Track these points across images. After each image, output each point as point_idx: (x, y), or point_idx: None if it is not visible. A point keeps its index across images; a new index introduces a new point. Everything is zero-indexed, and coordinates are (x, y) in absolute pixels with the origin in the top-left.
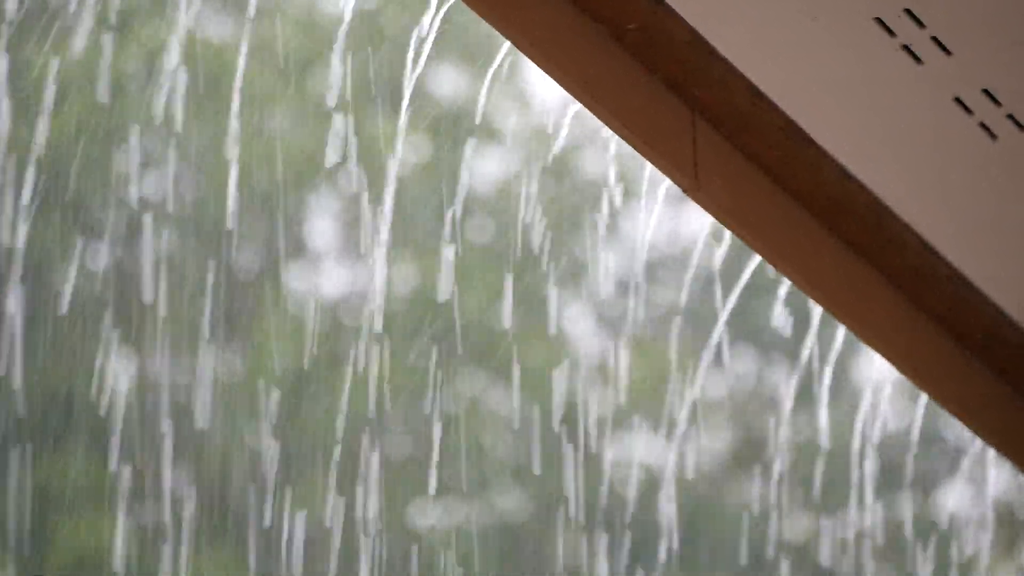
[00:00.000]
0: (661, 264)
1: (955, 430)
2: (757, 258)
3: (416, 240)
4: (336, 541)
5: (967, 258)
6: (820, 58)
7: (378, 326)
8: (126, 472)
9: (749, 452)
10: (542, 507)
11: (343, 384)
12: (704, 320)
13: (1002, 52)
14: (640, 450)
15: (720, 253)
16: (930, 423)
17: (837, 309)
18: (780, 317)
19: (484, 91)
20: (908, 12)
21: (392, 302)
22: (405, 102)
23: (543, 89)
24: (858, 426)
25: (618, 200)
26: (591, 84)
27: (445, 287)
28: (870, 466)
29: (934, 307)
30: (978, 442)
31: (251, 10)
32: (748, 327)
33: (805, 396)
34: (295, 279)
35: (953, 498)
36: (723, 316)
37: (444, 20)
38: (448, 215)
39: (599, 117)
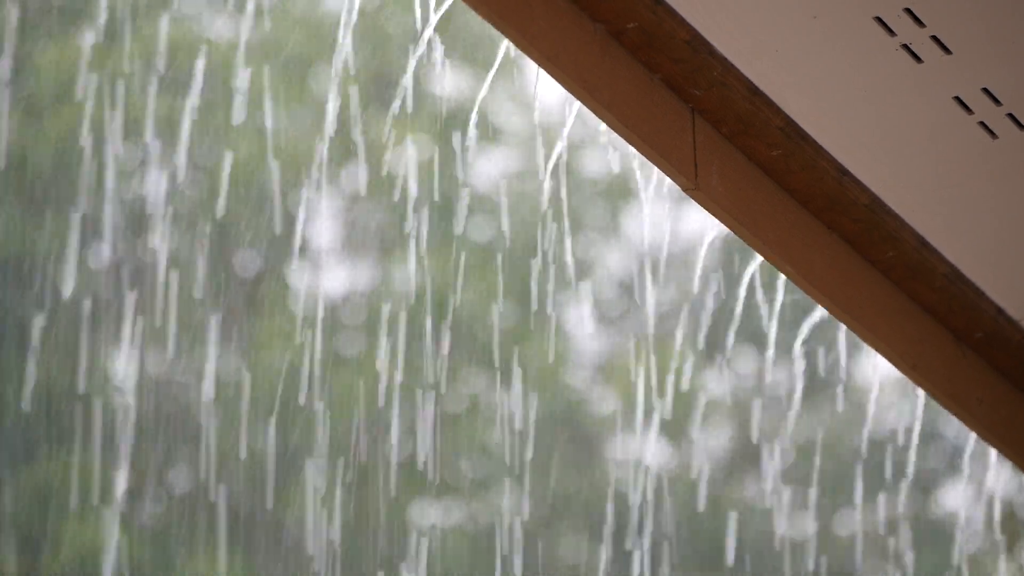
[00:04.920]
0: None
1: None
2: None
3: (417, 238)
4: (337, 537)
5: (966, 256)
6: (820, 57)
7: (378, 324)
8: (127, 469)
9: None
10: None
11: (343, 381)
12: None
13: (1002, 52)
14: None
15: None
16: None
17: (836, 307)
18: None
19: (486, 90)
20: (908, 11)
21: (392, 301)
22: (405, 101)
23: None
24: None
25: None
26: (591, 83)
27: (446, 285)
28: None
29: (933, 305)
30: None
31: (253, 9)
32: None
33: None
34: (296, 277)
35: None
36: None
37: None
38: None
39: (599, 116)
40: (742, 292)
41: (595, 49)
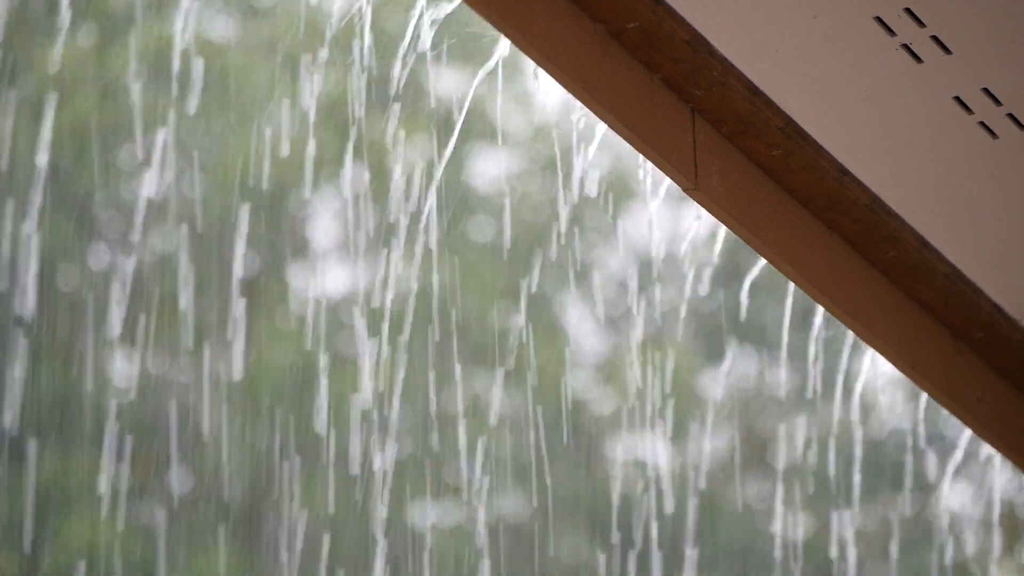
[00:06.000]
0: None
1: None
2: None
3: (418, 238)
4: (338, 537)
5: (966, 256)
6: (820, 57)
7: (379, 325)
8: (127, 470)
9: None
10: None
11: (343, 381)
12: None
13: (1002, 52)
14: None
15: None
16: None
17: (836, 306)
18: None
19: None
20: (908, 11)
21: (393, 301)
22: (407, 101)
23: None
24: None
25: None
26: (591, 83)
27: (445, 285)
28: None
29: (933, 304)
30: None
31: (253, 8)
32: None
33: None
34: (297, 278)
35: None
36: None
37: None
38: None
39: (599, 116)
40: (742, 291)
41: (595, 49)
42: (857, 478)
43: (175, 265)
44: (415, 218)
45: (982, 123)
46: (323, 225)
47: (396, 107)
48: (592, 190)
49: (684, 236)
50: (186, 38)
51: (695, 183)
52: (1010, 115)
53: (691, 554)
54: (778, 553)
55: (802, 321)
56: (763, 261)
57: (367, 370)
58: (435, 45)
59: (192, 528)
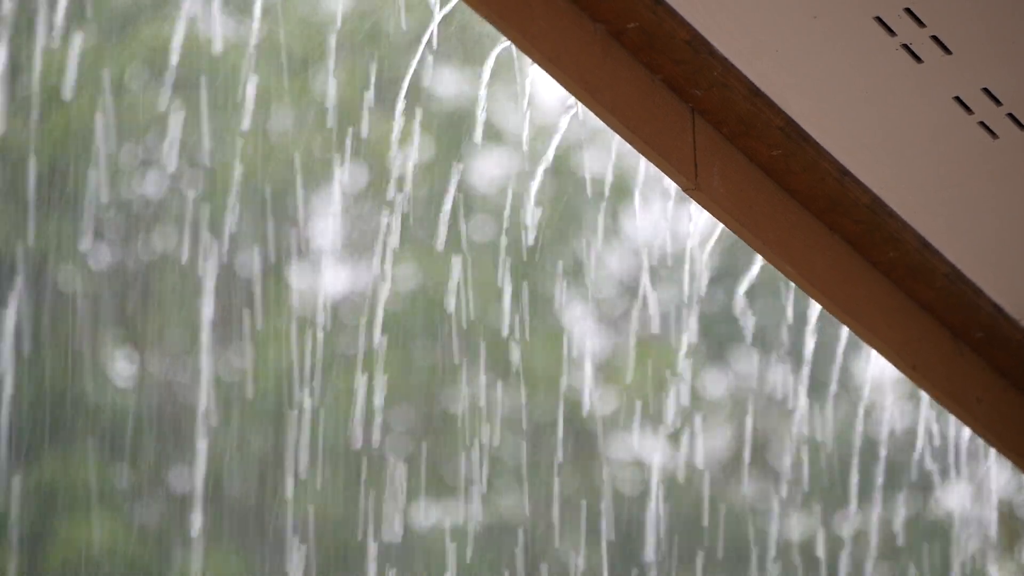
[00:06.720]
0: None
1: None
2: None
3: (419, 238)
4: (338, 539)
5: (966, 256)
6: (820, 57)
7: (380, 324)
8: (127, 470)
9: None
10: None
11: (343, 381)
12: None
13: (1002, 52)
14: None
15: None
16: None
17: (836, 307)
18: None
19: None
20: (908, 11)
21: (394, 301)
22: (408, 101)
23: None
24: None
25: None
26: (592, 84)
27: (446, 285)
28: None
29: (933, 304)
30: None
31: (254, 10)
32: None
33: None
34: (297, 277)
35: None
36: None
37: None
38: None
39: (599, 116)
40: (742, 292)
41: (596, 50)
42: (856, 478)
43: (175, 265)
44: (414, 217)
45: (982, 123)
46: (323, 225)
47: (397, 107)
48: (592, 188)
49: (685, 235)
50: (187, 38)
51: (695, 184)
52: (1010, 115)
53: (691, 554)
54: (778, 553)
55: (801, 321)
56: (763, 261)
57: (366, 369)
58: (437, 44)
59: (190, 528)
